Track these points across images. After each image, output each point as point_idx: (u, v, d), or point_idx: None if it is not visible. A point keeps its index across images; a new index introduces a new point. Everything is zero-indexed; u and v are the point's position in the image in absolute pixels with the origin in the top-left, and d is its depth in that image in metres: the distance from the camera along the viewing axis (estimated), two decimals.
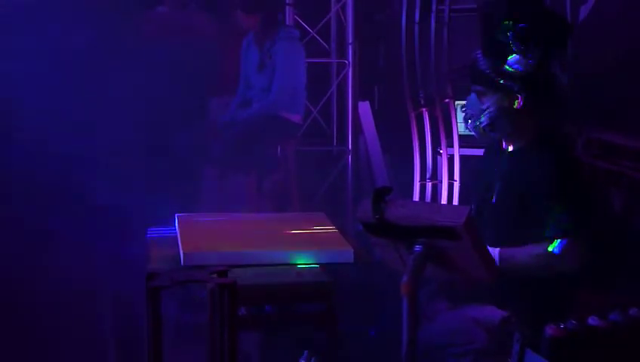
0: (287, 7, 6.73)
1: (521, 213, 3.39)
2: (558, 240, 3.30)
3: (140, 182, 6.25)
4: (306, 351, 3.48)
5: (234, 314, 2.69)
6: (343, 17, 6.74)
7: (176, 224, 3.96)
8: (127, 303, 4.25)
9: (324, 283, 3.49)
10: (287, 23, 6.67)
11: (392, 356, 3.51)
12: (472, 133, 3.54)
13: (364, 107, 6.80)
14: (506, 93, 3.41)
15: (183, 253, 3.48)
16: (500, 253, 3.30)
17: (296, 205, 5.83)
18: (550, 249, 3.30)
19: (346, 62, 6.72)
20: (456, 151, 5.79)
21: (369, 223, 2.86)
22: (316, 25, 6.74)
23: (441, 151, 5.80)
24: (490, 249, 3.19)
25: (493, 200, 3.49)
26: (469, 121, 3.51)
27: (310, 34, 6.69)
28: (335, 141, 6.85)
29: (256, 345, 3.85)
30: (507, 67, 3.37)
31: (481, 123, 3.45)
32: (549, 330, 2.55)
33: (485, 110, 3.44)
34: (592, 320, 2.59)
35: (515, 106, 3.41)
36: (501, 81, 3.39)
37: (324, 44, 6.81)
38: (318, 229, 3.90)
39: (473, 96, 3.49)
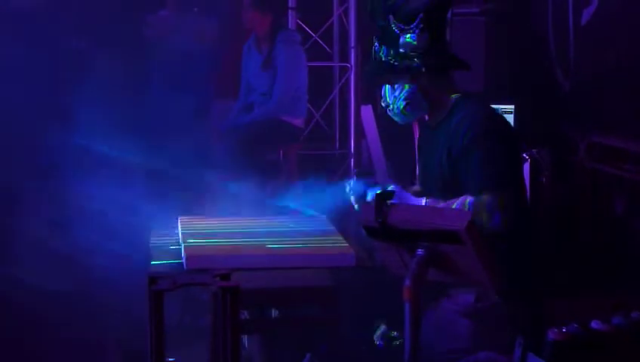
0: (289, 12, 6.74)
1: (452, 178, 3.42)
2: (472, 197, 3.30)
3: (142, 186, 6.26)
4: (307, 355, 3.48)
5: (236, 317, 2.69)
6: (345, 21, 6.75)
7: (179, 227, 3.96)
8: (129, 306, 4.25)
9: (326, 287, 3.49)
10: (290, 26, 6.67)
11: (394, 360, 3.52)
12: (395, 119, 3.61)
13: (367, 110, 6.78)
14: (410, 74, 3.47)
15: (186, 256, 3.48)
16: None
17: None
18: (467, 204, 3.29)
19: (349, 65, 6.73)
20: None
21: (371, 227, 2.86)
22: (319, 29, 6.76)
23: None
24: (417, 199, 3.37)
25: (431, 167, 3.55)
26: (388, 109, 3.58)
27: (313, 38, 6.70)
28: (337, 144, 6.86)
29: (259, 349, 3.84)
30: (401, 50, 3.44)
31: (397, 108, 3.52)
32: (552, 334, 2.55)
33: (399, 95, 3.51)
34: (595, 324, 2.59)
35: (423, 84, 3.48)
36: (401, 64, 3.45)
37: (327, 47, 6.82)
38: (320, 233, 3.90)
39: (385, 87, 3.56)
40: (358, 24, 6.66)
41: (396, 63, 3.47)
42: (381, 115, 4.07)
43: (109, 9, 6.52)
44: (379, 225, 2.82)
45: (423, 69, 3.44)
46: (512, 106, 5.33)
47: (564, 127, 5.39)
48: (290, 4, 6.75)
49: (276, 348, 3.73)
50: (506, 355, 3.14)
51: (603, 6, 5.19)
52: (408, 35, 3.43)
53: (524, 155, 5.13)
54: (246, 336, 3.96)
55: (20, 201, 5.70)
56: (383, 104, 3.61)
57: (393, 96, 3.53)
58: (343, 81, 6.77)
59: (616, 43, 5.07)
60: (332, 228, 3.99)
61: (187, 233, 3.82)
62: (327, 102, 6.79)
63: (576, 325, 2.58)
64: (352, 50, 6.69)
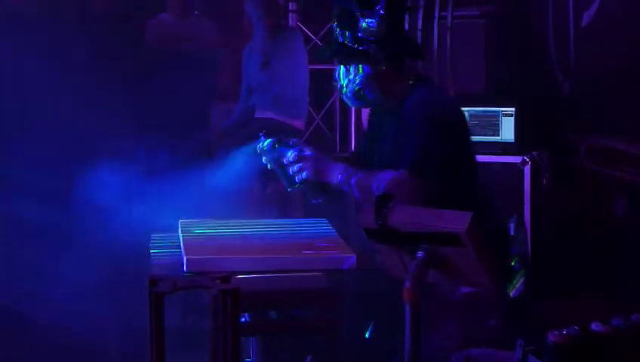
0: (290, 14, 6.75)
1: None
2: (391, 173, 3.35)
3: (142, 189, 6.26)
4: (308, 357, 3.48)
5: (236, 320, 2.69)
6: None
7: (179, 230, 3.96)
8: (129, 309, 4.25)
9: (326, 290, 3.49)
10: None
11: None
12: (347, 102, 3.67)
13: (368, 113, 6.80)
14: (366, 60, 3.50)
15: (186, 259, 3.48)
16: (342, 170, 3.44)
17: (299, 211, 5.83)
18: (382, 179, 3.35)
19: None
20: None
21: (372, 229, 2.86)
22: (319, 31, 6.75)
23: None
24: (336, 164, 3.43)
25: (384, 152, 3.58)
26: (342, 91, 3.61)
27: (313, 40, 6.69)
28: (338, 147, 6.86)
29: (259, 352, 3.84)
30: (360, 34, 3.48)
31: (350, 91, 3.56)
32: (552, 336, 2.55)
33: (353, 79, 3.54)
34: (595, 326, 2.59)
35: (378, 70, 3.51)
36: (359, 49, 3.48)
37: None
38: (320, 236, 3.90)
39: (340, 68, 3.59)
40: None
41: (353, 47, 3.51)
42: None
43: (110, 12, 6.54)
44: (379, 227, 2.82)
45: (380, 56, 3.49)
46: (513, 109, 5.33)
47: (565, 130, 5.39)
48: (290, 7, 6.75)
49: (276, 351, 3.73)
50: (497, 348, 3.16)
51: (603, 8, 5.19)
52: (368, 20, 3.47)
53: (525, 158, 5.13)
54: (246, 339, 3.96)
55: None
56: (336, 85, 3.65)
57: (347, 79, 3.56)
58: None
59: (617, 45, 5.08)
60: (332, 230, 3.99)
61: (187, 236, 3.82)
62: (328, 104, 6.80)
63: (576, 327, 2.58)
64: None
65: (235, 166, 3.95)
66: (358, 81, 3.54)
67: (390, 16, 3.48)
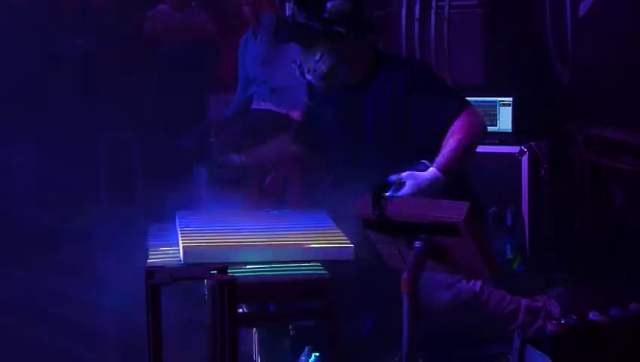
0: (286, 4, 6.73)
1: (399, 129, 3.56)
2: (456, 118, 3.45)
3: (140, 180, 6.26)
4: (306, 348, 3.48)
5: (234, 311, 2.69)
6: None
7: (177, 221, 3.95)
8: (127, 301, 4.25)
9: (324, 280, 3.49)
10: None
11: (391, 352, 3.52)
12: (313, 83, 3.67)
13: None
14: (334, 39, 3.52)
15: (183, 250, 3.47)
16: (440, 168, 3.36)
17: (296, 202, 5.82)
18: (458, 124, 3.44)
19: None
20: None
21: (369, 220, 2.86)
22: None
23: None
24: (425, 174, 3.31)
25: (368, 124, 3.64)
26: (308, 74, 3.62)
27: None
28: None
29: (257, 342, 3.84)
30: (325, 14, 3.49)
31: (319, 73, 3.58)
32: (550, 326, 2.55)
33: (320, 60, 3.56)
34: (593, 315, 2.59)
35: (344, 48, 3.55)
36: (324, 28, 3.50)
37: None
38: (318, 226, 3.89)
39: (303, 51, 3.60)
40: None
41: (318, 28, 3.50)
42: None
43: (107, 4, 6.53)
44: (376, 218, 2.82)
45: (349, 35, 3.50)
46: (510, 99, 5.32)
47: (563, 120, 5.38)
48: None
49: (274, 342, 3.73)
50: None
51: None
52: (335, 1, 3.47)
53: (523, 148, 5.13)
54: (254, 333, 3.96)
55: None
56: (297, 68, 3.64)
57: (314, 61, 3.56)
58: None
59: (614, 35, 5.06)
60: (330, 221, 3.98)
61: (184, 227, 3.81)
62: None
63: (574, 316, 2.58)
64: None
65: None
66: (325, 62, 3.54)
67: None
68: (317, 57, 3.55)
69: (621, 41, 5.01)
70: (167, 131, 6.07)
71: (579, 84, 5.38)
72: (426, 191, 3.26)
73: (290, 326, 3.77)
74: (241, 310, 3.61)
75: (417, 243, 2.71)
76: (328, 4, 3.47)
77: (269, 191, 5.89)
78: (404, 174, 3.32)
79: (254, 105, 6.00)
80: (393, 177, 3.25)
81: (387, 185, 2.96)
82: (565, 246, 5.09)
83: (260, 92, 6.00)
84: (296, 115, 6.03)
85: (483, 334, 3.58)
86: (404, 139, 3.56)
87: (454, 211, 2.67)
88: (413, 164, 3.38)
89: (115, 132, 6.32)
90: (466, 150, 3.41)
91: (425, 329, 2.64)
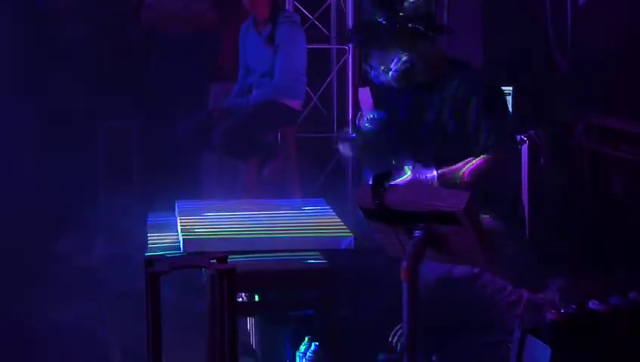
0: None
1: (457, 131, 3.56)
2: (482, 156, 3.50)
3: (140, 169, 6.26)
4: (306, 337, 3.48)
5: (233, 300, 2.69)
6: (342, 3, 6.72)
7: (177, 210, 3.95)
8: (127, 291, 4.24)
9: (324, 270, 3.49)
10: (287, 8, 6.65)
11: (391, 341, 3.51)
12: (390, 83, 3.65)
13: (365, 93, 6.76)
14: (412, 37, 3.53)
15: (183, 240, 3.48)
16: (440, 177, 3.50)
17: (296, 192, 5.82)
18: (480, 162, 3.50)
19: (346, 48, 6.70)
20: None
21: (369, 209, 2.85)
22: (316, 11, 6.73)
23: None
24: (427, 172, 3.48)
25: (428, 123, 3.64)
26: (384, 73, 3.61)
27: (310, 20, 6.67)
28: (335, 127, 6.83)
29: (257, 332, 3.84)
30: (401, 13, 3.49)
31: (397, 71, 3.58)
32: (550, 315, 2.55)
33: (399, 59, 3.56)
34: (593, 304, 2.59)
35: (423, 48, 3.56)
36: (403, 28, 3.50)
37: (324, 30, 6.79)
38: (318, 216, 3.90)
39: (377, 51, 3.59)
40: (356, 6, 6.62)
41: (397, 27, 3.50)
42: (378, 96, 4.07)
43: None
44: (376, 207, 2.81)
45: (429, 33, 3.53)
46: (510, 88, 5.31)
47: (562, 109, 5.38)
48: None
49: (274, 331, 3.73)
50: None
51: None
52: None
53: (522, 137, 5.12)
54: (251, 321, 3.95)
55: None
56: (373, 71, 3.62)
57: (393, 60, 3.56)
58: (340, 63, 6.74)
59: (614, 24, 5.05)
60: (330, 210, 3.98)
61: (184, 216, 3.82)
62: (325, 84, 6.77)
63: (574, 306, 2.58)
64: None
65: None
66: (403, 61, 3.55)
67: None
68: (395, 57, 3.55)
69: (621, 31, 5.00)
70: (166, 120, 6.05)
71: (579, 73, 5.37)
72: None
73: (290, 316, 3.77)
74: (240, 299, 3.61)
75: (417, 233, 2.71)
76: (406, 3, 3.47)
77: (268, 181, 5.89)
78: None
79: (254, 94, 5.99)
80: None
81: (388, 175, 2.95)
82: (565, 235, 5.09)
83: (261, 81, 5.99)
84: (295, 104, 6.02)
85: (480, 319, 3.58)
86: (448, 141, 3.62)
87: (454, 200, 2.67)
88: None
89: (114, 121, 6.31)
90: (468, 185, 3.47)
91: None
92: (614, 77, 5.05)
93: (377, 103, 3.93)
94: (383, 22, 3.52)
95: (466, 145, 3.55)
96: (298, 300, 3.69)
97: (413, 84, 3.69)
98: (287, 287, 3.63)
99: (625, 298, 2.63)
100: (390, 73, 3.59)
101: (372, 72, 3.65)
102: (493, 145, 3.50)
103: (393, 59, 3.56)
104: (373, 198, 2.81)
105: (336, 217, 3.86)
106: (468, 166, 3.50)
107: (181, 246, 3.47)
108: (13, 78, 5.72)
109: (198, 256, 3.04)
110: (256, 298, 3.69)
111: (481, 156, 3.51)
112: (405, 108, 3.78)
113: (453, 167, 3.52)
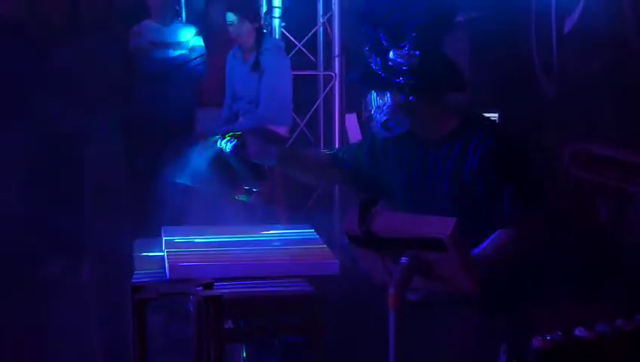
0: (273, 20, 6.74)
1: (463, 201, 3.31)
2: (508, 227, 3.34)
3: (126, 194, 6.25)
4: None
5: (220, 326, 2.69)
6: (329, 30, 6.75)
7: (163, 236, 3.94)
8: (113, 315, 4.23)
9: (310, 296, 3.48)
10: (274, 35, 6.68)
11: None
12: (374, 131, 3.44)
13: (351, 119, 6.79)
14: (396, 89, 3.28)
15: (169, 266, 3.46)
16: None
17: (283, 217, 5.82)
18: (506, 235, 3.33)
19: (333, 74, 6.72)
20: None
21: (355, 235, 2.85)
22: (303, 37, 6.75)
23: None
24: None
25: (425, 190, 3.39)
26: (370, 121, 3.43)
27: (297, 46, 6.69)
28: None
29: (243, 358, 3.83)
30: (390, 63, 3.25)
31: (378, 121, 3.35)
32: (536, 342, 2.55)
33: (381, 107, 3.34)
34: (579, 332, 2.59)
35: (410, 101, 3.28)
36: (388, 77, 3.27)
37: (311, 56, 6.82)
38: (304, 242, 3.89)
39: (372, 94, 3.38)
40: (342, 33, 6.66)
41: (383, 75, 3.29)
42: (365, 122, 4.06)
43: (92, 19, 6.53)
44: (362, 234, 2.81)
45: (409, 88, 3.25)
46: (496, 114, 5.33)
47: (548, 134, 5.40)
48: (274, 13, 6.75)
49: (261, 358, 3.72)
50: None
51: (585, 15, 5.20)
52: (397, 52, 3.24)
53: None
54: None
55: None
56: (366, 113, 3.55)
57: (377, 106, 3.36)
58: (327, 89, 6.77)
59: (599, 51, 5.09)
60: (316, 236, 3.98)
61: (170, 242, 3.80)
62: (312, 110, 6.79)
63: (560, 333, 2.58)
64: (337, 59, 6.69)
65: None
66: (385, 111, 3.32)
67: (423, 49, 3.23)
68: (379, 103, 3.34)
69: (607, 57, 5.03)
70: (154, 145, 6.05)
71: (564, 99, 5.40)
72: None
73: (276, 342, 3.76)
74: (226, 325, 3.60)
75: (404, 259, 2.71)
76: (391, 54, 3.25)
77: (255, 207, 5.89)
78: None
79: (241, 121, 6.00)
80: None
81: (374, 201, 2.94)
82: (551, 261, 5.10)
83: (247, 107, 6.01)
84: (282, 130, 6.04)
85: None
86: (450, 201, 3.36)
87: (440, 227, 2.67)
88: None
89: (101, 146, 6.31)
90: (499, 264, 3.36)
91: None
92: (600, 103, 5.08)
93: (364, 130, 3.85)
94: (372, 67, 3.31)
95: (474, 218, 3.26)
96: (284, 326, 3.68)
97: (396, 135, 3.41)
98: (272, 313, 3.61)
99: (612, 325, 2.63)
100: (372, 122, 3.40)
101: (370, 114, 3.46)
102: (515, 216, 3.33)
103: (378, 105, 3.35)
104: (360, 225, 2.81)
105: (323, 244, 3.85)
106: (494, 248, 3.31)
107: (167, 272, 3.46)
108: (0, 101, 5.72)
109: (184, 283, 3.03)
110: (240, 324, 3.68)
111: (502, 231, 3.32)
112: (400, 162, 3.53)
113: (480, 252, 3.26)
